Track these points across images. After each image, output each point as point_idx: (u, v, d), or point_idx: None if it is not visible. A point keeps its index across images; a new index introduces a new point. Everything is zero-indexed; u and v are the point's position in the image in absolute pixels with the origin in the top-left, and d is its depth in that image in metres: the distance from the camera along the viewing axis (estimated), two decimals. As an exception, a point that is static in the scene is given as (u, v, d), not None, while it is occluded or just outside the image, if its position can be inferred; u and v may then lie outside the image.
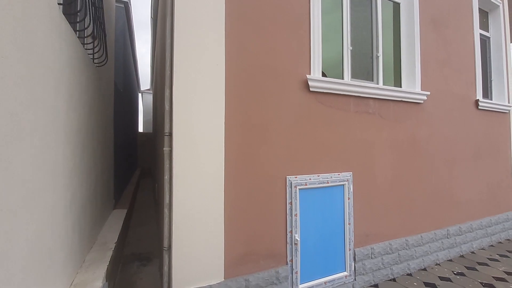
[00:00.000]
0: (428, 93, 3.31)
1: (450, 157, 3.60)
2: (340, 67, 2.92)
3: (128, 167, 6.46)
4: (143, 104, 15.11)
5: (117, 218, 3.24)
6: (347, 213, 2.65)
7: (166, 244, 1.92)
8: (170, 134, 1.96)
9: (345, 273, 2.62)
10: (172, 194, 1.88)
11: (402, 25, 3.40)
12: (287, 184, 2.36)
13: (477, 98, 3.97)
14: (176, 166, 1.89)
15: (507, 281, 2.89)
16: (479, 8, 4.23)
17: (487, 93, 4.54)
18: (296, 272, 2.34)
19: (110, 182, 3.53)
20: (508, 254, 3.63)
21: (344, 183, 2.66)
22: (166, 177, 1.93)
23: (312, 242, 2.46)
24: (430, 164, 3.38)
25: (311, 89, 2.51)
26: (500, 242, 4.05)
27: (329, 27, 2.88)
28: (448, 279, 2.92)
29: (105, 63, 2.90)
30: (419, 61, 3.33)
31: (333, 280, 2.54)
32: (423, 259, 3.18)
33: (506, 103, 4.42)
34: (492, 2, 4.41)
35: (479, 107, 3.98)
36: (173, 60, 1.96)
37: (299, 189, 2.39)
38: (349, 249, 2.65)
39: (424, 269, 3.15)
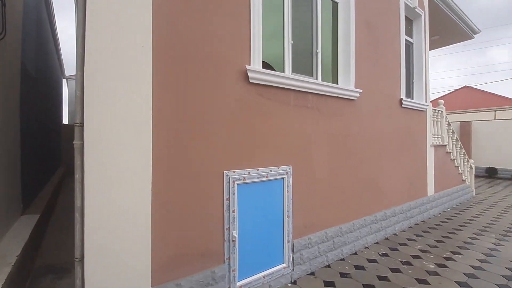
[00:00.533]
0: (361, 90, 3.54)
1: (378, 150, 3.94)
2: (282, 61, 2.90)
3: (47, 165, 5.56)
4: (69, 92, 12.73)
5: (24, 226, 2.71)
6: (286, 206, 2.67)
7: (78, 254, 1.64)
8: (82, 125, 1.65)
9: (284, 265, 2.65)
10: (83, 196, 1.60)
11: (340, 24, 3.55)
12: (224, 179, 2.24)
13: (401, 97, 4.42)
14: (88, 163, 1.60)
15: (421, 258, 3.30)
16: (405, 16, 4.69)
17: (409, 93, 5.11)
18: (234, 270, 2.26)
19: (15, 183, 2.93)
20: (423, 234, 4.17)
21: (284, 176, 2.67)
22: (77, 176, 1.63)
23: (251, 237, 2.41)
24: (361, 156, 3.65)
25: (250, 81, 2.42)
26: (417, 224, 4.64)
27: (271, 21, 2.82)
28: (375, 261, 3.21)
29: (2, 37, 2.35)
30: (354, 60, 3.52)
31: (272, 273, 2.54)
32: (354, 244, 3.43)
33: (424, 103, 5.04)
34: (416, 11, 4.94)
35: (403, 105, 4.45)
36: (85, 36, 1.65)
37: (238, 184, 2.30)
38: (288, 241, 2.68)
39: (355, 253, 3.41)
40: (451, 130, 6.19)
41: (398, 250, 3.55)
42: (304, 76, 3.05)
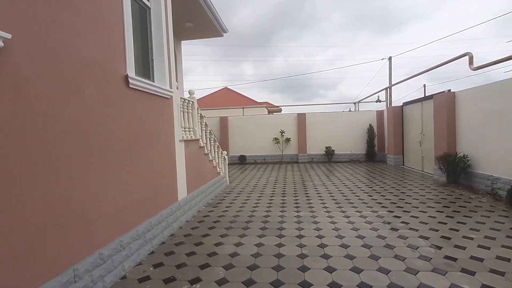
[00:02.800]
0: (9, 36, 1.68)
1: (86, 153, 2.30)
2: None
3: None
4: None
5: None
6: None
7: None
8: None
9: None
10: None
11: None
12: None
13: (128, 73, 3.06)
14: None
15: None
16: (132, -38, 3.35)
17: (148, 74, 3.93)
18: None
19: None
20: (164, 260, 3.11)
21: None
22: None
23: None
24: (39, 169, 1.83)
25: None
26: (163, 243, 3.60)
27: None
28: None
29: None
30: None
31: None
32: None
33: (168, 88, 4.07)
34: (150, -34, 3.77)
35: (131, 86, 3.12)
36: None
37: None
38: None
39: None
40: (204, 123, 5.93)
41: (112, 318, 2.14)
42: None
